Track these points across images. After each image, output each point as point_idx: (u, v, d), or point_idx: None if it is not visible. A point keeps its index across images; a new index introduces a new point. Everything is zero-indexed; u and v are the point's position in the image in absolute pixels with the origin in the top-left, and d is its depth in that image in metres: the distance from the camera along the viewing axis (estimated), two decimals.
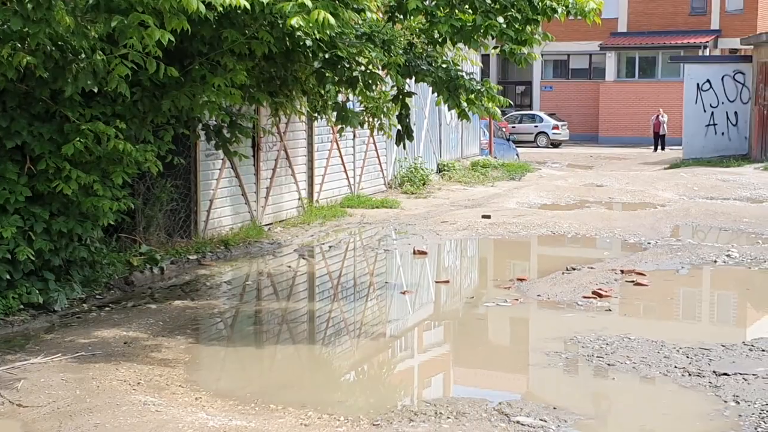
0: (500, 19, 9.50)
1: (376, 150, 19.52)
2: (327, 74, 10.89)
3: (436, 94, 11.36)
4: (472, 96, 11.22)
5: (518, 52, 10.15)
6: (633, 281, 11.86)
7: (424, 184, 20.32)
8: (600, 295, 11.12)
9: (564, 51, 47.98)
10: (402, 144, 12.12)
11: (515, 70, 53.19)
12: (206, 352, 8.96)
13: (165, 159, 11.06)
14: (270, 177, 15.67)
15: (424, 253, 13.80)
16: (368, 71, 10.79)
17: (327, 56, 10.53)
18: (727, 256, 13.37)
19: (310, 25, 8.44)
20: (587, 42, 46.81)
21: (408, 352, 9.47)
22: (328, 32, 9.95)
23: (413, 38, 11.60)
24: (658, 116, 40.17)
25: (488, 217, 16.61)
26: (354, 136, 18.40)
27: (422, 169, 20.56)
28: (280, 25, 9.52)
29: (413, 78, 11.18)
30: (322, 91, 11.53)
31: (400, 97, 11.79)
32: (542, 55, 50.83)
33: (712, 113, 28.84)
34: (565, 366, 8.45)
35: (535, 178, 23.63)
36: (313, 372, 8.61)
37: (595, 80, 47.54)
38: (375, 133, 14.05)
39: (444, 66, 11.25)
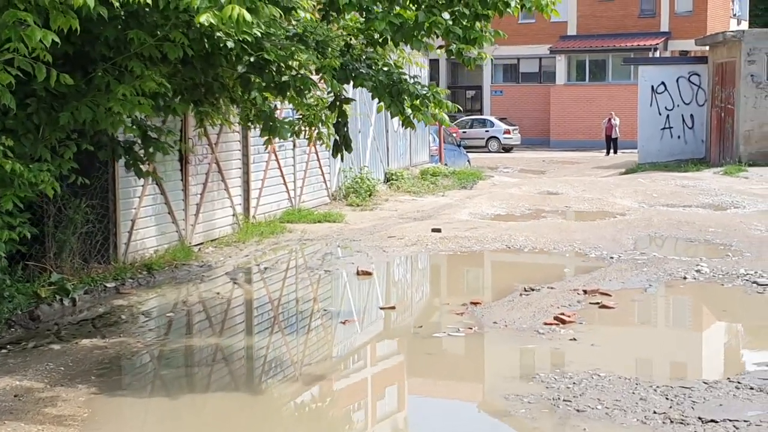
0: (446, 15, 8.33)
1: (319, 160, 18.27)
2: (253, 79, 9.65)
3: (377, 100, 10.18)
4: (417, 102, 10.08)
5: (467, 52, 8.98)
6: (598, 303, 10.77)
7: (370, 195, 19.11)
8: (563, 321, 9.99)
9: (514, 55, 47.29)
10: (340, 155, 10.93)
11: (465, 75, 52.37)
12: (110, 405, 7.64)
13: (68, 179, 9.73)
14: (200, 192, 14.35)
15: (368, 273, 12.59)
16: (299, 76, 9.56)
17: (252, 60, 9.30)
18: (697, 271, 12.35)
19: (223, 22, 7.21)
20: (537, 45, 46.16)
21: (337, 407, 8.17)
22: (253, 32, 8.79)
23: (351, 39, 10.41)
24: (610, 119, 39.51)
25: (438, 230, 15.45)
26: (294, 146, 17.15)
27: (368, 180, 19.36)
28: (198, 26, 8.28)
29: (351, 83, 9.98)
30: (252, 99, 10.27)
31: (338, 103, 10.60)
32: (492, 59, 50.04)
33: (668, 116, 28.05)
34: (528, 414, 7.28)
35: (488, 186, 22.54)
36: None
37: (545, 84, 46.91)
38: (314, 142, 12.81)
39: (386, 69, 10.08)
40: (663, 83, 27.89)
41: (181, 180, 13.90)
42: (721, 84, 26.26)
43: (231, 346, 9.55)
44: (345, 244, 14.78)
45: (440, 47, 9.53)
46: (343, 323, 10.14)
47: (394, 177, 21.45)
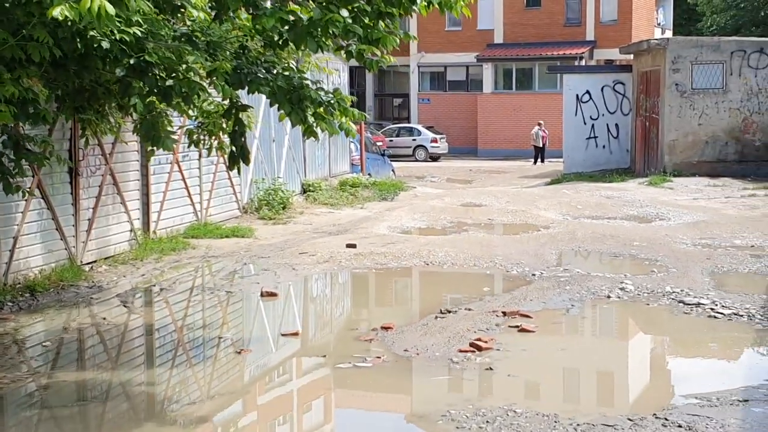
0: (345, 13, 7.45)
1: (227, 170, 17.19)
2: (133, 84, 8.65)
3: (277, 107, 9.26)
4: (321, 109, 9.17)
5: (368, 54, 8.12)
6: (518, 326, 10.00)
7: (284, 207, 18.14)
8: (479, 348, 9.19)
9: (441, 63, 46.80)
10: (236, 168, 9.97)
11: (392, 83, 51.69)
12: None
13: None
14: (93, 207, 13.25)
15: (273, 294, 11.64)
16: (185, 79, 8.58)
17: (133, 62, 8.30)
18: (621, 289, 11.68)
19: (81, 16, 6.22)
20: (464, 53, 45.71)
21: None
22: (132, 31, 7.86)
23: (247, 41, 9.47)
24: (541, 128, 39.02)
25: (353, 246, 14.56)
26: (200, 155, 16.10)
27: (282, 191, 18.37)
28: (69, 24, 7.29)
29: (246, 88, 9.03)
30: (133, 105, 9.24)
31: (233, 111, 9.65)
32: (419, 66, 49.57)
33: (593, 125, 27.60)
34: None
35: (410, 198, 21.73)
36: None
37: (472, 92, 46.43)
38: (214, 153, 11.82)
39: (286, 73, 9.16)
40: (588, 92, 27.45)
41: (71, 193, 12.78)
42: (645, 93, 25.90)
43: (101, 383, 8.51)
44: (252, 262, 13.81)
45: (339, 48, 8.63)
46: (239, 353, 9.18)
47: (311, 188, 20.51)
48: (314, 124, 9.23)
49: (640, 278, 12.31)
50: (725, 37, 27.62)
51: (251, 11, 7.99)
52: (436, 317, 10.43)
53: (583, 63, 42.27)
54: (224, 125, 10.59)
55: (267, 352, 9.47)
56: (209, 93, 9.60)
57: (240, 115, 9.71)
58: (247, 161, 9.94)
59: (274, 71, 9.17)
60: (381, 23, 7.89)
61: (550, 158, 38.52)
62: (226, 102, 10.06)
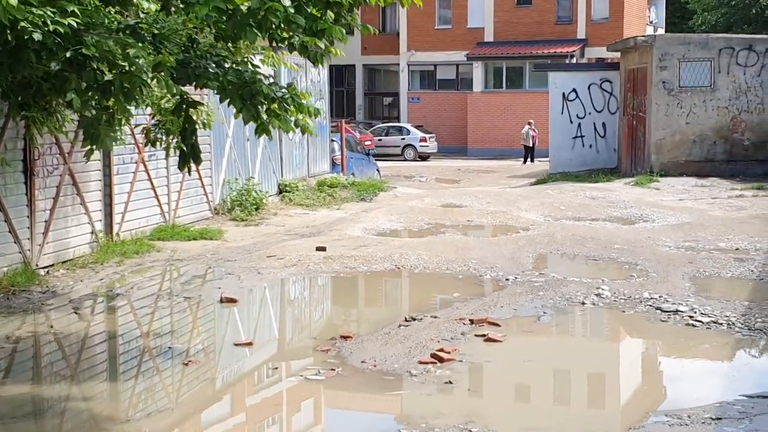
0: (287, 2, 6.92)
1: (198, 171, 16.63)
2: (70, 79, 8.11)
3: (227, 104, 8.74)
4: (274, 105, 8.64)
5: (312, 46, 7.59)
6: (484, 335, 9.49)
7: (257, 208, 17.59)
8: (441, 359, 8.69)
9: (430, 61, 46.31)
10: (187, 168, 9.44)
11: (382, 81, 51.20)
12: None
13: None
14: (50, 208, 12.71)
15: (233, 300, 11.11)
16: (126, 73, 8.04)
17: (69, 55, 7.77)
18: (597, 295, 11.19)
19: None
20: (454, 52, 45.22)
21: None
22: (67, 22, 7.35)
23: (197, 33, 8.93)
24: (531, 127, 38.49)
25: (323, 249, 14.04)
26: (167, 155, 15.50)
27: (256, 192, 17.83)
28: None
29: (194, 83, 8.51)
30: (68, 101, 8.71)
31: (183, 107, 9.13)
32: (408, 65, 49.03)
33: (579, 124, 27.07)
34: None
35: (389, 199, 21.18)
36: None
37: (462, 91, 45.92)
38: (173, 153, 11.27)
39: (238, 68, 8.63)
40: (574, 90, 26.92)
41: (26, 194, 12.25)
42: (633, 91, 25.38)
43: (35, 398, 7.98)
44: (217, 265, 13.28)
45: (282, 40, 8.07)
46: (186, 364, 8.65)
47: (287, 188, 19.97)
48: (267, 121, 8.70)
49: (618, 283, 11.81)
50: (713, 34, 27.12)
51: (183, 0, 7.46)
52: (400, 325, 9.92)
53: (574, 61, 41.78)
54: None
55: (215, 364, 8.93)
56: (153, 89, 9.05)
57: (190, 113, 9.20)
58: (198, 161, 9.42)
59: (226, 65, 8.66)
60: (330, 13, 7.35)
61: (540, 158, 38.00)
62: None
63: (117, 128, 10.18)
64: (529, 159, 38.45)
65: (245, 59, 9.27)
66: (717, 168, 23.11)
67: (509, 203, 19.46)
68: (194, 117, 9.39)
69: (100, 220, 13.90)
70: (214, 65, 8.56)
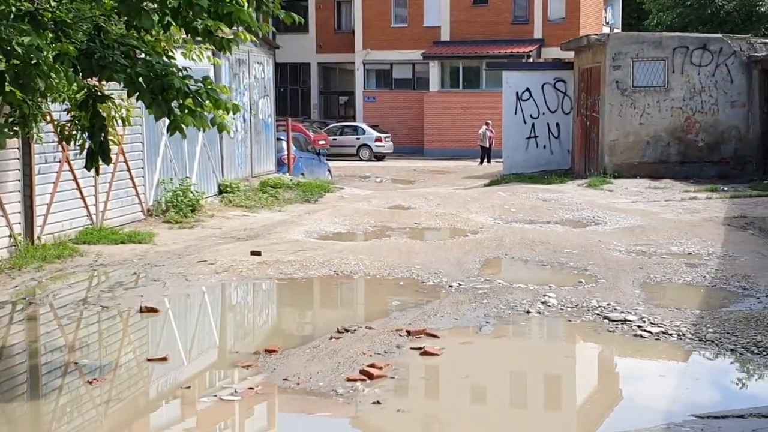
0: None
1: (129, 170, 15.85)
2: None
3: (135, 99, 7.99)
4: (189, 101, 7.90)
5: (216, 31, 6.87)
6: (420, 348, 8.83)
7: (193, 210, 16.77)
8: (371, 376, 8.01)
9: (386, 60, 45.69)
10: (95, 168, 8.67)
11: (338, 80, 50.45)
12: None
13: None
14: None
15: (154, 310, 10.33)
16: (23, 65, 7.26)
17: None
18: (543, 303, 10.58)
19: None
20: (410, 51, 44.63)
21: None
22: None
23: (106, 21, 8.16)
24: (489, 128, 37.98)
25: (258, 253, 13.30)
26: (81, 152, 14.68)
27: (192, 192, 17.00)
28: None
29: (98, 75, 7.74)
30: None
31: (90, 102, 8.36)
32: (364, 64, 48.33)
33: (533, 125, 26.54)
34: None
35: (335, 200, 20.45)
36: None
37: (419, 90, 45.34)
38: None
39: (149, 59, 7.87)
40: (528, 90, 26.39)
41: None
42: (586, 91, 24.88)
43: None
44: (144, 271, 12.48)
45: (183, 25, 7.31)
46: (90, 383, 7.87)
47: (228, 189, 19.17)
48: (180, 118, 7.96)
49: (566, 290, 11.22)
50: (667, 33, 26.73)
51: None
52: (332, 337, 9.23)
53: (531, 62, 41.37)
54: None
55: (122, 382, 8.14)
56: (52, 79, 8.25)
57: (100, 107, 8.44)
58: (107, 160, 8.65)
59: (137, 56, 7.90)
60: None
61: (498, 158, 37.47)
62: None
63: (34, 124, 9.48)
64: (486, 160, 37.96)
65: (165, 51, 8.53)
66: (671, 169, 22.68)
67: (459, 205, 18.84)
68: (104, 112, 8.60)
69: (19, 223, 13.04)
70: (122, 56, 7.81)
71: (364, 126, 43.14)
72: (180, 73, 7.92)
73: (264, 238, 15.01)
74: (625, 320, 9.80)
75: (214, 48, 8.00)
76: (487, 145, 37.83)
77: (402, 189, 25.08)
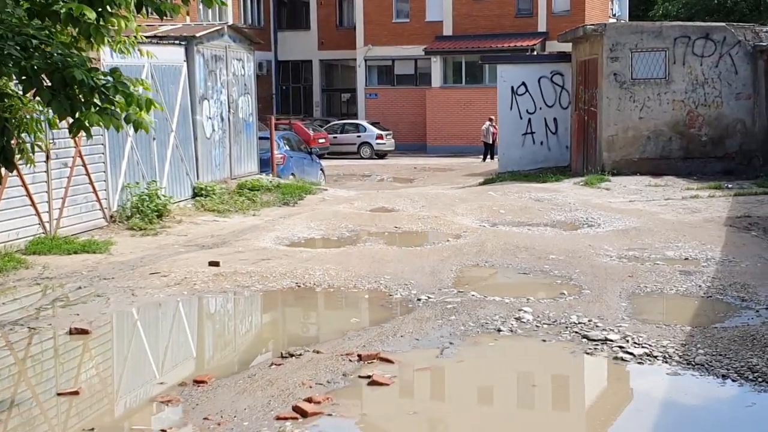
0: None
1: (88, 174, 14.86)
2: None
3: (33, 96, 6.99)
4: (96, 97, 6.90)
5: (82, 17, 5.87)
6: (369, 377, 7.80)
7: (160, 216, 15.76)
8: (304, 414, 7.01)
9: (388, 56, 44.65)
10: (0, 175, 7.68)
11: (340, 77, 49.45)
12: None
13: None
14: None
15: (84, 331, 9.33)
16: None
17: None
18: (517, 319, 9.54)
19: None
20: (412, 46, 43.59)
21: None
22: None
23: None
24: (492, 124, 36.88)
25: (216, 264, 12.30)
26: (47, 157, 13.75)
27: (159, 197, 15.99)
28: None
29: None
30: None
31: None
32: (366, 60, 47.24)
33: (530, 120, 25.38)
34: None
35: (315, 202, 19.38)
36: None
37: (421, 86, 44.25)
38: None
39: (48, 50, 6.86)
40: (524, 83, 25.23)
41: None
42: (584, 84, 23.72)
43: None
44: (90, 284, 11.49)
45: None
46: None
47: (203, 192, 18.16)
48: (85, 116, 6.94)
49: (544, 303, 10.16)
50: (668, 22, 25.51)
51: None
52: (272, 364, 8.23)
53: (534, 54, 40.21)
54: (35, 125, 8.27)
55: (22, 422, 7.12)
56: None
57: None
58: (10, 167, 7.63)
59: (33, 47, 6.88)
60: None
61: None
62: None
63: None
64: (489, 156, 36.90)
65: (74, 42, 7.50)
66: (673, 166, 21.49)
67: (445, 207, 17.78)
68: (10, 114, 7.59)
69: None
70: (16, 47, 6.80)
71: (365, 123, 42.19)
72: (83, 65, 6.91)
73: (229, 246, 14.01)
74: (606, 340, 8.75)
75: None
76: (491, 142, 36.74)
77: (390, 190, 23.93)
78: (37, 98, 7.15)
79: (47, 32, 7.21)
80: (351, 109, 48.27)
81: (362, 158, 39.79)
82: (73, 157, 14.44)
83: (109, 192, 15.46)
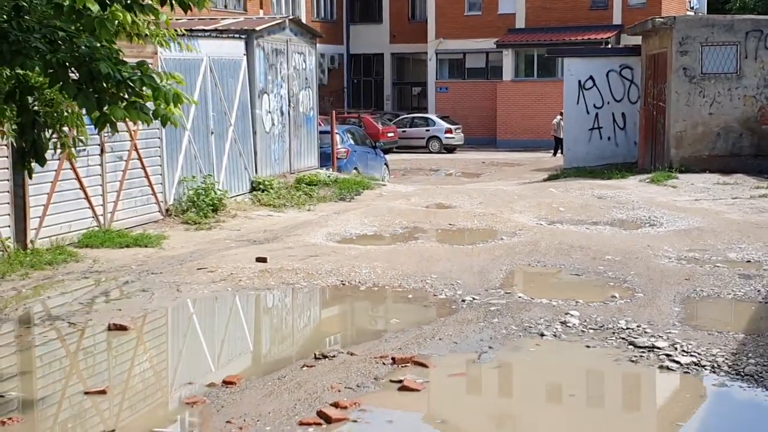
0: None
1: (144, 168, 14.93)
2: None
3: (66, 94, 6.92)
4: (125, 92, 6.81)
5: None
6: (401, 381, 7.58)
7: (215, 210, 15.78)
8: (329, 419, 6.82)
9: (459, 49, 44.27)
10: (27, 169, 7.67)
11: (411, 71, 49.23)
12: None
13: None
14: None
15: (123, 328, 9.30)
16: None
17: None
18: (563, 323, 9.22)
19: None
20: (483, 39, 43.13)
21: None
22: None
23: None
24: (562, 118, 36.21)
25: (264, 260, 12.22)
26: (102, 150, 13.85)
27: (215, 191, 16.00)
28: None
29: (9, 63, 6.70)
30: None
31: (17, 94, 7.34)
32: (437, 53, 46.92)
33: (597, 115, 24.78)
34: None
35: (372, 198, 19.20)
36: None
37: (492, 80, 43.78)
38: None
39: (75, 41, 6.79)
40: (591, 78, 24.64)
41: None
42: (654, 78, 23.05)
43: None
44: (138, 279, 11.50)
45: None
46: (2, 424, 6.85)
47: (261, 186, 18.14)
48: (110, 110, 6.86)
49: (593, 307, 9.81)
50: (739, 16, 24.63)
51: None
52: (304, 365, 8.07)
53: (608, 47, 39.35)
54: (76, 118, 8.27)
55: (42, 421, 7.09)
56: None
57: (27, 100, 7.41)
58: (41, 161, 7.64)
59: (69, 40, 6.82)
60: None
61: None
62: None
63: None
64: (560, 151, 36.29)
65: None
66: (743, 163, 20.73)
67: (503, 204, 17.44)
68: (36, 107, 7.57)
69: (9, 226, 12.21)
70: (42, 39, 6.73)
71: (434, 117, 41.89)
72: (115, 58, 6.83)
73: (280, 241, 13.92)
74: (653, 347, 8.38)
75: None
76: (561, 136, 36.08)
77: (453, 185, 23.66)
78: None
79: (78, 25, 7.17)
80: (421, 103, 48.00)
81: (431, 152, 39.54)
82: (128, 150, 14.51)
83: (165, 186, 15.53)
